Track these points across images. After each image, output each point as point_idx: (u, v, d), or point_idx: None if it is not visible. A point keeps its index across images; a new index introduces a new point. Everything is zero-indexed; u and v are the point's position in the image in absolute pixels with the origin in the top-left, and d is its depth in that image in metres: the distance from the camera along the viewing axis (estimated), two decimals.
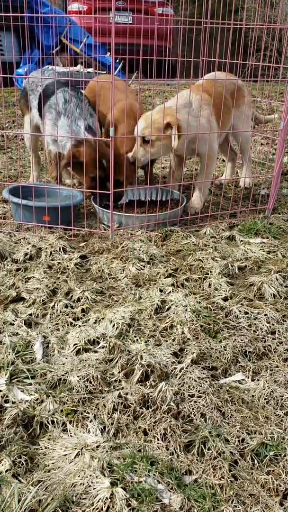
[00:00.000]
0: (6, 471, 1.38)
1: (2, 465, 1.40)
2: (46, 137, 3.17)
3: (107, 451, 1.46)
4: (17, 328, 2.03)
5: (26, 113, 3.43)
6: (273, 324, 2.11)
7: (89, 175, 3.02)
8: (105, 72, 6.77)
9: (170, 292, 2.32)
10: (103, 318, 2.11)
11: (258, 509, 1.33)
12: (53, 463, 1.43)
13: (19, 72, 6.46)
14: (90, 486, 1.34)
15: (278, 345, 2.00)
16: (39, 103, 3.27)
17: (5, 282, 2.38)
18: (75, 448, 1.46)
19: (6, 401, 1.63)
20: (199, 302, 2.25)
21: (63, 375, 1.76)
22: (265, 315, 2.15)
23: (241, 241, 2.97)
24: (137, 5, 8.24)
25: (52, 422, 1.57)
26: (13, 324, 2.05)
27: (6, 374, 1.73)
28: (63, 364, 1.85)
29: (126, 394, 1.67)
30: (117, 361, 1.85)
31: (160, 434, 1.53)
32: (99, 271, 2.54)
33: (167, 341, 2.00)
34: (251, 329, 2.09)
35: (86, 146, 2.95)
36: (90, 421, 1.58)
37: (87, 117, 3.05)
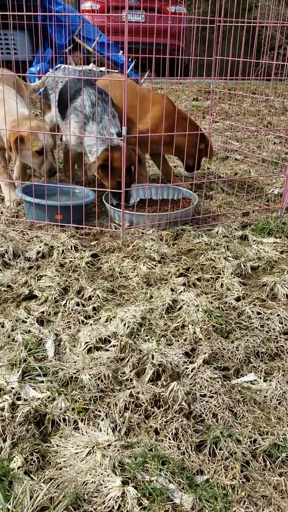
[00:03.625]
0: (18, 468, 1.39)
1: (14, 462, 1.40)
2: (71, 137, 3.18)
3: (118, 450, 1.46)
4: (30, 326, 2.04)
5: (47, 112, 3.46)
6: (286, 325, 2.09)
7: (116, 180, 3.03)
8: (117, 70, 6.76)
9: (181, 291, 2.32)
10: (114, 317, 2.11)
11: (270, 511, 1.32)
12: (64, 461, 1.44)
13: (32, 71, 6.48)
14: (101, 484, 1.34)
15: None
16: (58, 100, 3.28)
17: (17, 280, 2.39)
18: (87, 447, 1.47)
19: (18, 399, 1.64)
20: (211, 302, 2.24)
21: (74, 373, 1.77)
22: (278, 315, 2.13)
23: (254, 240, 2.96)
24: (150, 4, 8.22)
25: (64, 420, 1.58)
26: (26, 322, 2.06)
27: (18, 372, 1.74)
28: (75, 362, 1.85)
29: (138, 393, 1.67)
30: (129, 360, 1.85)
31: (172, 433, 1.53)
32: (110, 269, 2.55)
33: (178, 340, 1.99)
34: (263, 330, 2.08)
35: (118, 153, 2.97)
36: (102, 420, 1.58)
37: (112, 120, 3.05)
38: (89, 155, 3.14)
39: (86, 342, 1.95)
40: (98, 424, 1.57)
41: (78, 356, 1.89)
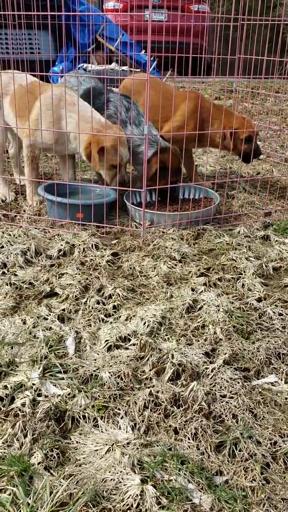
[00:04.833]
0: (39, 463, 1.40)
1: (35, 457, 1.42)
2: None
3: (137, 448, 1.46)
4: (51, 323, 2.06)
5: None
6: None
7: (172, 179, 3.11)
8: (139, 70, 6.77)
9: (202, 291, 2.31)
10: (134, 316, 2.11)
11: None
12: (84, 458, 1.45)
13: (55, 70, 6.53)
14: (120, 482, 1.35)
15: None
16: None
17: (39, 278, 2.41)
18: (106, 444, 1.47)
19: (39, 395, 1.65)
20: (232, 303, 2.22)
21: (94, 371, 1.78)
22: None
23: (276, 241, 2.92)
24: (173, 2, 8.20)
25: (84, 417, 1.59)
26: (47, 319, 2.08)
27: (39, 368, 1.76)
28: (95, 359, 1.86)
29: (157, 392, 1.67)
30: (148, 359, 1.85)
31: (191, 433, 1.52)
32: (130, 268, 2.55)
33: (198, 340, 1.98)
34: (285, 331, 2.05)
35: (171, 154, 3.08)
36: (121, 418, 1.58)
37: (142, 122, 3.14)
38: (142, 156, 3.19)
39: (106, 340, 1.96)
40: (118, 422, 1.57)
41: (98, 354, 1.90)
